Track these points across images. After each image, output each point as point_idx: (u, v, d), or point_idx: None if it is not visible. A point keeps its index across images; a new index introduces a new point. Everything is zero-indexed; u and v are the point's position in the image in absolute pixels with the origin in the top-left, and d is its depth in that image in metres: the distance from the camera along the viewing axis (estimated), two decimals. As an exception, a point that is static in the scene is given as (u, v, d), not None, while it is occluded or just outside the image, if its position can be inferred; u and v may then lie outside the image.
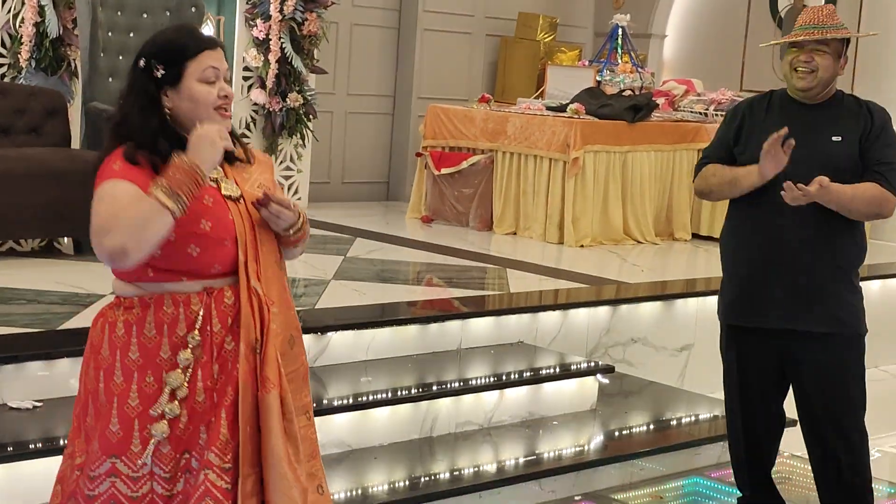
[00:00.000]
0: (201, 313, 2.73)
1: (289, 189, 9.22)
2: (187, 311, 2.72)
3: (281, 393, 2.77)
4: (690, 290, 7.18)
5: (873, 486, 4.62)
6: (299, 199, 9.29)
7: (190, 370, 2.71)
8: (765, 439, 4.64)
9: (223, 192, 2.78)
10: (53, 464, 4.21)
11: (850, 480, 4.50)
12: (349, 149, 10.19)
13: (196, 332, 2.72)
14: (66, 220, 6.57)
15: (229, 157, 2.84)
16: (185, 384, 2.70)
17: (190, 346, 2.71)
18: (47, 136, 7.13)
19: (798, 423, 4.63)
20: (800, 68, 4.31)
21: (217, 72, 2.79)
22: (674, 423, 6.04)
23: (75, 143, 7.49)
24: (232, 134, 2.84)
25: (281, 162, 9.19)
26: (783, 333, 4.38)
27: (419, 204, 9.19)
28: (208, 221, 2.71)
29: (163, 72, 2.74)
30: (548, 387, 5.85)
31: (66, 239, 6.94)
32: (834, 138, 4.36)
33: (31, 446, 4.34)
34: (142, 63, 2.77)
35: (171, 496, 2.72)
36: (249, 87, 8.91)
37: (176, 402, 2.70)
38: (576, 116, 8.63)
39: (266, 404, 2.74)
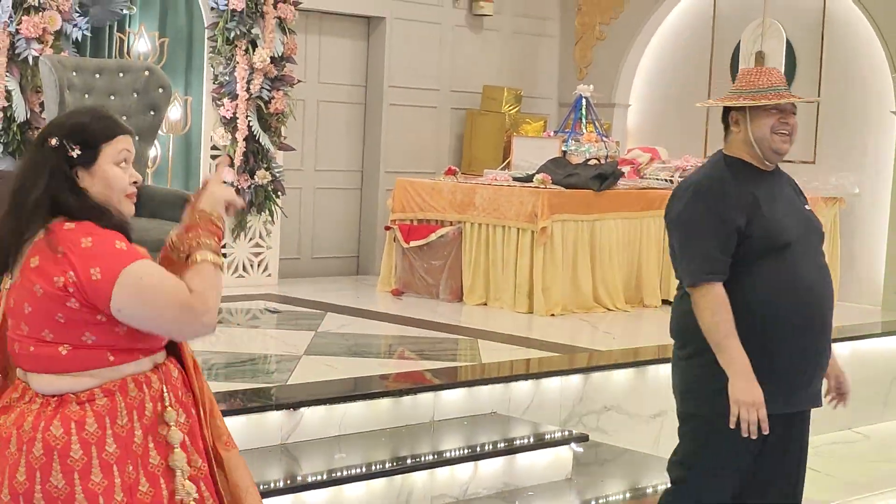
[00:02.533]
0: (164, 389, 2.68)
1: (259, 266, 9.22)
2: (150, 391, 2.65)
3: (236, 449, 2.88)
4: (662, 356, 7.13)
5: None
6: (269, 275, 9.30)
7: (186, 446, 2.69)
8: None
9: None
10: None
11: None
12: (318, 224, 10.19)
13: (169, 407, 2.66)
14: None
15: None
16: (186, 461, 2.67)
17: (171, 423, 2.66)
18: (16, 217, 7.11)
19: None
20: (783, 131, 4.05)
21: (129, 155, 2.73)
22: (650, 490, 5.95)
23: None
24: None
25: (250, 239, 9.20)
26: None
27: (389, 277, 9.18)
28: None
29: (78, 152, 2.65)
30: (522, 457, 5.80)
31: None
32: (807, 207, 4.22)
33: None
34: (53, 142, 2.66)
35: None
36: (217, 166, 8.90)
37: (189, 482, 2.67)
38: (542, 186, 8.67)
39: (231, 462, 2.82)
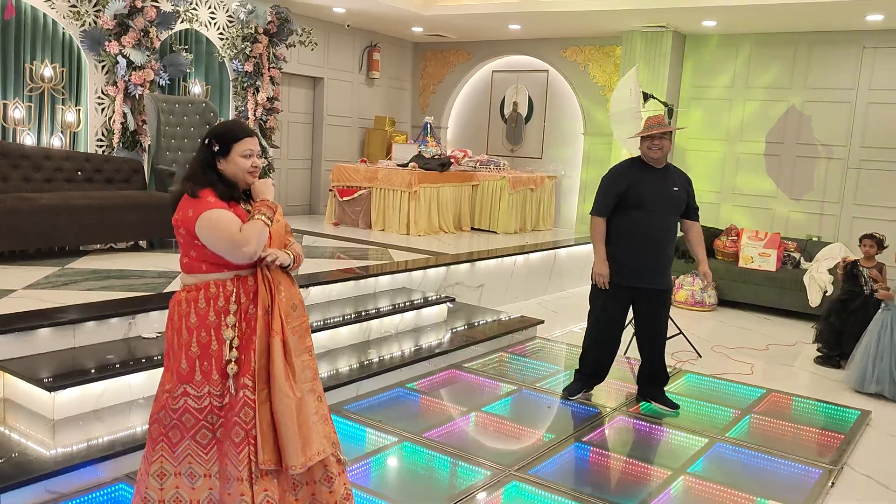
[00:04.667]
0: (234, 290, 2.35)
1: (260, 210, 8.73)
2: (224, 290, 2.35)
3: (283, 338, 2.36)
4: (480, 257, 7.07)
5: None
6: (266, 215, 8.82)
7: (235, 328, 2.33)
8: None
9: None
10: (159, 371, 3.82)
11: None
12: (290, 186, 9.69)
13: (233, 303, 2.34)
14: (145, 230, 6.00)
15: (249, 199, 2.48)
16: (235, 337, 2.33)
17: (231, 312, 2.33)
18: (133, 183, 6.50)
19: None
20: (652, 147, 4.10)
21: (251, 151, 2.42)
22: (476, 324, 5.89)
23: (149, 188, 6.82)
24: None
25: (256, 195, 8.68)
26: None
27: (331, 216, 8.73)
28: None
29: (217, 147, 2.38)
30: (424, 311, 5.61)
31: (143, 242, 6.30)
32: (675, 189, 4.20)
33: (156, 359, 3.87)
34: (207, 141, 2.41)
35: (221, 406, 2.34)
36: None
37: (234, 350, 2.33)
38: (414, 169, 8.39)
39: (272, 345, 2.34)
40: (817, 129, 8.17)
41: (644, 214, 4.14)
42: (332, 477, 2.46)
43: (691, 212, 4.33)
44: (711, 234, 8.37)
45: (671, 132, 4.18)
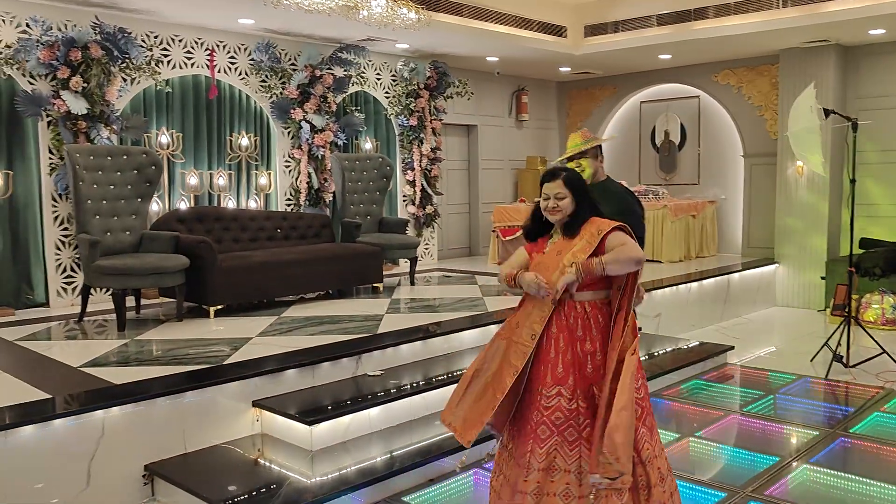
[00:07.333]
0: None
1: (428, 253, 9.14)
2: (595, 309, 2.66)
3: None
4: (656, 286, 7.05)
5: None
6: (433, 258, 9.22)
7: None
8: None
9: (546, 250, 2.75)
10: (392, 405, 4.14)
11: None
12: (450, 230, 10.09)
13: (598, 320, 2.66)
14: (340, 279, 6.49)
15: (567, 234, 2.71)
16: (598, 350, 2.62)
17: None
18: (323, 237, 7.05)
19: None
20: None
21: (548, 194, 2.70)
22: (663, 352, 5.88)
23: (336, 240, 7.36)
24: (570, 223, 2.70)
25: (425, 241, 9.11)
26: None
27: (494, 256, 9.04)
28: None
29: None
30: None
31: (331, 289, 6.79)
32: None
33: (380, 394, 4.20)
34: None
35: (587, 408, 2.60)
36: (406, 204, 8.83)
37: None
38: (575, 204, 8.55)
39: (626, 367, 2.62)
40: None
41: None
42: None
43: None
44: (898, 249, 7.94)
45: (584, 152, 3.66)
